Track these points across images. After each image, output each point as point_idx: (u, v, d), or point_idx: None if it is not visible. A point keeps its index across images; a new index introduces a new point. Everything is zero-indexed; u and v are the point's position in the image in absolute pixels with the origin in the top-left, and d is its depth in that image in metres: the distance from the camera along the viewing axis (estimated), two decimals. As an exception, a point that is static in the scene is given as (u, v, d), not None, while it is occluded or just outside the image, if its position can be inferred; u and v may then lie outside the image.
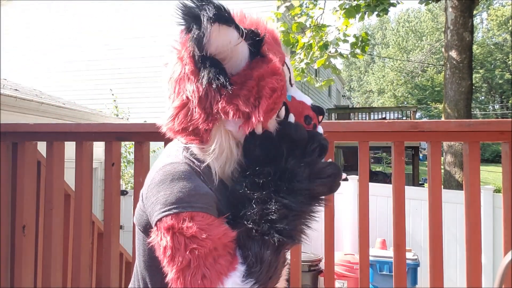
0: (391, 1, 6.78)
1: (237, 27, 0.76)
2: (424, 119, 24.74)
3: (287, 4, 6.57)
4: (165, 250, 0.73)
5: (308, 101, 0.90)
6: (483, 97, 31.86)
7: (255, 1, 8.85)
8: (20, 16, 10.45)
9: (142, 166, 1.63)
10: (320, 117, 0.92)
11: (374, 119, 13.65)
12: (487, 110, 31.17)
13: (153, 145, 1.78)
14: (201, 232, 0.72)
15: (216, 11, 0.72)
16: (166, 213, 0.75)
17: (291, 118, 0.86)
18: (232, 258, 0.74)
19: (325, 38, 6.36)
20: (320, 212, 0.88)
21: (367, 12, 6.60)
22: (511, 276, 1.28)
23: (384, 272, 4.35)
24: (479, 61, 27.12)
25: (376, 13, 6.67)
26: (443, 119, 7.85)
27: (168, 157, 0.84)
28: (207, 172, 0.82)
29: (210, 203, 0.77)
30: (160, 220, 0.75)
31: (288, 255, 1.21)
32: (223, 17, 0.74)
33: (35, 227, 1.77)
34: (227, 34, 0.75)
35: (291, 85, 0.90)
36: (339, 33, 6.32)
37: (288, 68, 0.88)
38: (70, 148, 1.70)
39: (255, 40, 0.80)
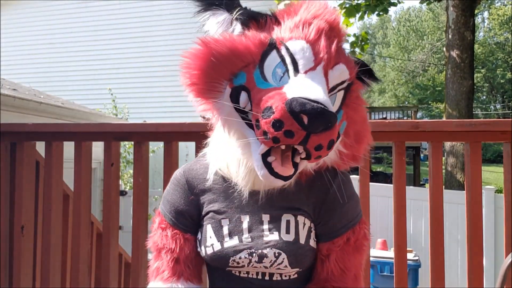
0: (392, 1, 6.76)
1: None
2: (425, 119, 24.68)
3: (287, 1, 6.55)
4: None
5: (309, 94, 0.70)
6: (484, 97, 31.79)
7: (255, 0, 8.83)
8: (19, 16, 10.45)
9: (141, 166, 1.62)
10: (318, 126, 0.67)
11: (374, 119, 13.63)
12: (489, 110, 31.10)
13: (153, 145, 1.78)
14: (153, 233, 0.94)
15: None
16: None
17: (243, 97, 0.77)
18: (159, 269, 0.90)
19: (326, 38, 6.34)
20: None
21: (367, 12, 6.58)
22: (513, 278, 1.27)
23: (385, 273, 4.33)
24: (480, 60, 27.06)
25: (376, 12, 6.66)
26: (444, 119, 7.83)
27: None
28: (202, 172, 0.92)
29: (169, 210, 0.93)
30: None
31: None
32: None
33: (33, 227, 1.77)
34: None
35: (290, 76, 0.77)
36: (339, 33, 6.30)
37: (288, 50, 0.79)
38: (69, 148, 1.69)
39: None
